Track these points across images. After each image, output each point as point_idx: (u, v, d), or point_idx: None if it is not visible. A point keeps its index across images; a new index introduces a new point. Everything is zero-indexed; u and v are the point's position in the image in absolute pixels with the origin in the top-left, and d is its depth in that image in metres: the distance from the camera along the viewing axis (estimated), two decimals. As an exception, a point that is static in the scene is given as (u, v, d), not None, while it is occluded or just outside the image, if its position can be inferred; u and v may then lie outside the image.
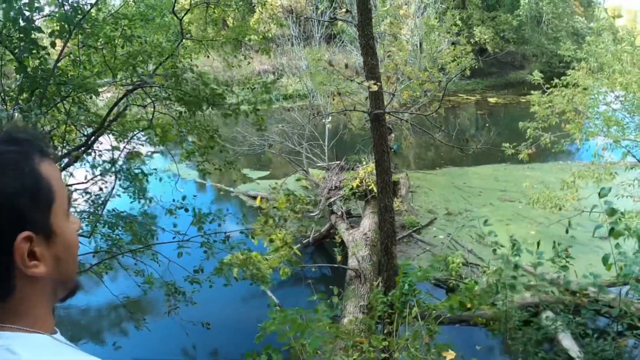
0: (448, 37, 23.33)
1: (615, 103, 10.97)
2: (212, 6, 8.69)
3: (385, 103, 7.30)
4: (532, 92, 11.67)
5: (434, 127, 10.60)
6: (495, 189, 14.84)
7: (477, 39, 38.43)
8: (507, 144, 10.29)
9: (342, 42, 21.20)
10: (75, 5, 7.02)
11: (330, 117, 13.32)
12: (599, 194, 4.42)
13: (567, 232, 6.23)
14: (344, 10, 7.50)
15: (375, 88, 6.64)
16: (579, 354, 6.05)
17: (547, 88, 11.26)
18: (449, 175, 16.63)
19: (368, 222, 10.87)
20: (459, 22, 32.13)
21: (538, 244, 5.81)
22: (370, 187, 11.30)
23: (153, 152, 9.24)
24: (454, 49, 18.52)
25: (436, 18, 25.88)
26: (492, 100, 32.70)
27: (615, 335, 5.60)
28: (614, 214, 4.44)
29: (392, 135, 13.69)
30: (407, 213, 12.42)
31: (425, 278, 5.34)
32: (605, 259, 4.73)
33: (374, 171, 7.77)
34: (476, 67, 28.86)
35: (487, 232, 5.95)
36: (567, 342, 6.50)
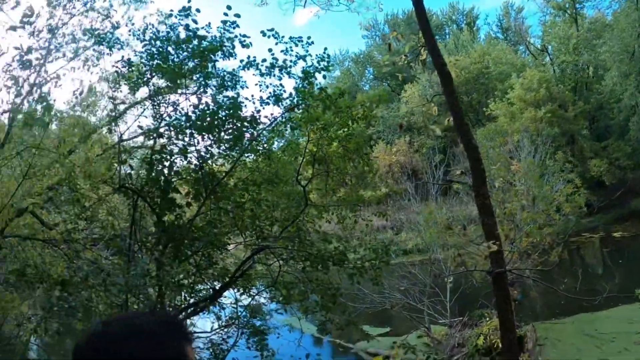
0: (562, 176, 22.91)
1: None
2: (331, 175, 9.39)
3: (506, 257, 7.21)
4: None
5: (557, 279, 10.09)
6: (630, 331, 13.48)
7: (592, 173, 37.10)
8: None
9: (458, 194, 21.55)
10: (209, 172, 7.84)
11: (452, 278, 13.24)
12: None
13: None
14: (459, 171, 7.79)
15: (495, 248, 6.63)
16: None
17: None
18: (578, 322, 15.29)
19: (493, 381, 10.24)
20: (571, 159, 31.50)
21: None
22: (495, 344, 10.75)
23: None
24: (564, 187, 18.09)
25: (549, 158, 25.59)
26: (616, 235, 30.43)
27: None
28: None
29: (516, 288, 13.20)
30: (536, 370, 11.54)
31: None
32: None
33: (499, 326, 7.51)
34: (594, 202, 27.64)
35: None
36: None
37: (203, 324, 8.95)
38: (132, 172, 8.28)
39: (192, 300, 8.12)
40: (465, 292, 15.27)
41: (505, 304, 6.99)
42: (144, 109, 10.06)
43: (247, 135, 8.01)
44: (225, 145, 7.93)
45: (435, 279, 14.75)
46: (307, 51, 8.15)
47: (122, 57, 8.18)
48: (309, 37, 8.04)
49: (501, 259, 6.99)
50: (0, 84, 7.64)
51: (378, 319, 17.16)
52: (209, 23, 7.75)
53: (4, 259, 10.72)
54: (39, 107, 7.67)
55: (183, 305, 8.01)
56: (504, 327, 7.04)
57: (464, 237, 7.74)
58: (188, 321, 8.49)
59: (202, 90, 7.86)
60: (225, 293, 8.54)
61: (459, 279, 14.83)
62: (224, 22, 7.62)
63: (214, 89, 7.96)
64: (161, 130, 7.69)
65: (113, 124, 9.86)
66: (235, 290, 8.82)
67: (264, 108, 8.11)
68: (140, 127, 8.86)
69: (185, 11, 7.43)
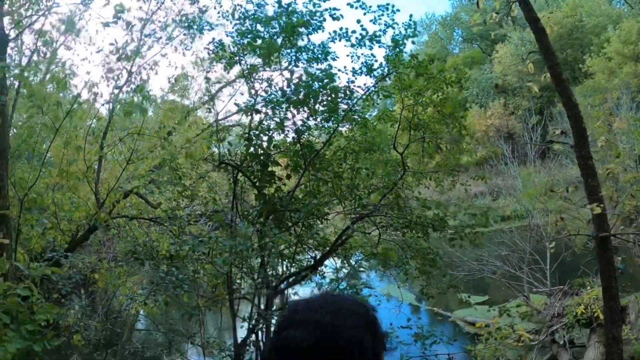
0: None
1: None
2: (427, 141, 9.36)
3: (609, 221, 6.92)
4: None
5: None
6: None
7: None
8: None
9: (557, 157, 20.72)
10: (307, 144, 8.05)
11: (554, 243, 12.85)
12: None
13: None
14: (559, 131, 7.50)
15: (598, 211, 6.36)
16: None
17: None
18: (684, 294, 14.41)
19: (593, 352, 9.83)
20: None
21: None
22: (596, 314, 10.34)
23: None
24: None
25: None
26: None
27: None
28: None
29: (618, 256, 12.59)
30: (638, 342, 11.01)
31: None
32: None
33: (600, 296, 7.24)
34: None
35: None
36: None
37: (304, 292, 9.24)
38: (231, 148, 8.64)
39: (293, 270, 8.42)
40: (565, 260, 14.64)
41: (609, 270, 6.71)
42: (239, 87, 10.37)
43: (342, 105, 8.12)
44: (321, 116, 8.10)
45: (536, 244, 14.32)
46: (393, 20, 8.09)
47: (213, 38, 8.46)
48: (393, 6, 7.98)
49: (605, 222, 6.70)
50: (98, 76, 8.12)
51: (475, 287, 16.91)
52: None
53: (112, 238, 11.51)
54: (137, 95, 8.13)
55: (285, 275, 8.32)
56: (607, 294, 6.76)
57: (567, 200, 7.47)
58: (291, 290, 8.82)
59: (294, 64, 8.02)
60: (326, 262, 8.79)
61: (560, 246, 14.33)
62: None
63: (305, 62, 8.10)
64: (257, 106, 7.96)
65: (209, 103, 10.25)
66: (336, 259, 9.04)
67: (356, 79, 8.16)
68: (236, 104, 9.17)
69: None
